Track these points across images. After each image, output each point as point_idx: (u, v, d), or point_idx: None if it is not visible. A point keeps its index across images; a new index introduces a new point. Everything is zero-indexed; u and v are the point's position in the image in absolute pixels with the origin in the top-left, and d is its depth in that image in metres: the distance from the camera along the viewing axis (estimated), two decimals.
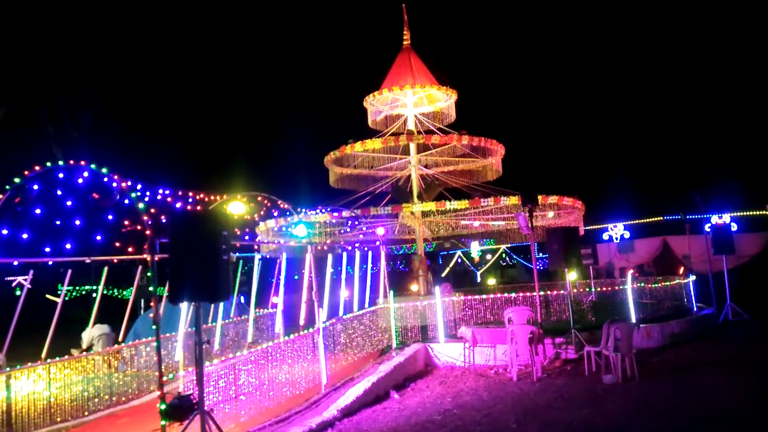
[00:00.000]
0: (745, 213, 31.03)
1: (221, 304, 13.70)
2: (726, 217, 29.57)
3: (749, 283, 20.67)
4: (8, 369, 9.09)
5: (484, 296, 14.05)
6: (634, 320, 12.71)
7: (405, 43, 20.00)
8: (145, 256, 8.41)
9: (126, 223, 8.63)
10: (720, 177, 35.45)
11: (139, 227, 7.59)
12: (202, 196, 11.01)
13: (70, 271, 12.04)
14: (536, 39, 57.02)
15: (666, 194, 37.27)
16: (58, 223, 9.09)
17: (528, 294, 13.53)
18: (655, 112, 50.90)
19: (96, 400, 10.14)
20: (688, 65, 51.02)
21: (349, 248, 16.21)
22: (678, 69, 51.78)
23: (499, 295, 13.91)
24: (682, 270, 22.38)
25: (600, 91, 53.35)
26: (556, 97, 54.16)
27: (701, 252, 20.35)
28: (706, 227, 20.43)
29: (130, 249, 9.77)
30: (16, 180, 8.19)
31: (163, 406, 6.32)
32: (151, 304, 6.95)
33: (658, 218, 31.80)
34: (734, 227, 27.79)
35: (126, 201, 7.79)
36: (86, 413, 9.76)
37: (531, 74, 56.96)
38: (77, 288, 28.05)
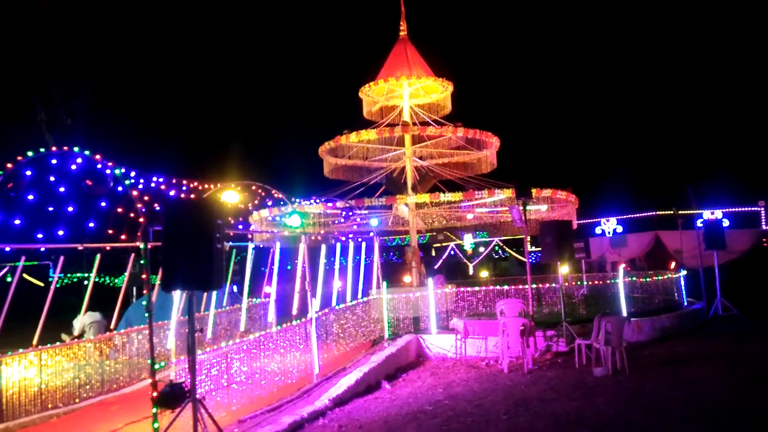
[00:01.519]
0: (736, 209, 31.23)
1: (214, 293, 13.69)
2: (718, 213, 29.77)
3: (739, 278, 20.84)
4: None
5: (476, 288, 14.11)
6: (625, 314, 12.78)
7: (401, 33, 19.92)
8: (138, 243, 8.39)
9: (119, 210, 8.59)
10: (712, 173, 35.68)
11: (132, 215, 7.57)
12: (196, 184, 10.96)
13: (62, 258, 12.00)
14: (532, 31, 56.98)
15: (659, 189, 37.51)
16: (50, 209, 9.04)
17: (520, 287, 13.60)
18: (649, 108, 51.07)
19: (87, 387, 10.12)
20: (682, 61, 51.13)
21: (343, 239, 16.22)
22: (672, 65, 51.92)
23: (491, 287, 13.96)
24: (673, 265, 22.52)
25: (595, 86, 53.44)
26: (551, 91, 54.23)
27: (693, 247, 20.49)
28: (698, 223, 20.56)
29: (122, 236, 9.73)
30: (9, 166, 8.14)
31: (154, 394, 6.32)
32: (144, 292, 6.94)
33: (651, 213, 31.94)
34: (726, 223, 28.03)
35: (119, 188, 7.76)
36: (77, 400, 9.74)
37: (527, 67, 56.99)
38: (69, 275, 27.93)
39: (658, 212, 31.31)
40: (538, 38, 58.09)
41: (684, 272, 16.86)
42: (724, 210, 30.60)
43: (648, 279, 15.87)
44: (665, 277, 16.14)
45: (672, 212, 25.21)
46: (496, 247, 43.60)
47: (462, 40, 56.87)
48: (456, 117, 19.22)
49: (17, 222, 8.72)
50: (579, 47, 55.96)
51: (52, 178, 8.55)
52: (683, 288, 16.35)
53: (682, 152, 44.15)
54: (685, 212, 27.21)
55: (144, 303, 10.85)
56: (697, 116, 46.15)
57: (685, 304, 15.99)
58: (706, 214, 28.40)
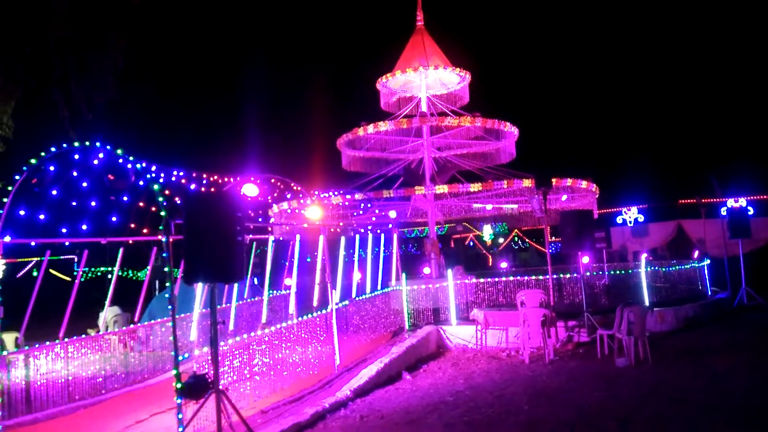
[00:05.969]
0: (762, 197, 30.65)
1: (235, 286, 13.81)
2: (742, 201, 29.27)
3: (765, 267, 20.48)
4: (27, 348, 9.25)
5: (496, 279, 14.05)
6: (647, 304, 12.66)
7: (418, 24, 19.82)
8: (159, 237, 8.48)
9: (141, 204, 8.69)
10: (736, 160, 35.04)
11: (153, 208, 7.64)
12: (216, 177, 11.05)
13: (86, 252, 12.17)
14: (552, 19, 56.31)
15: (681, 177, 36.93)
16: (74, 204, 9.18)
17: (541, 277, 13.51)
18: (671, 94, 50.28)
19: (113, 379, 10.30)
20: (706, 46, 50.23)
21: (362, 231, 16.23)
22: (697, 50, 51.02)
23: (511, 278, 13.89)
24: (696, 254, 22.22)
25: (616, 73, 52.75)
26: (571, 79, 53.59)
27: (717, 236, 20.19)
28: (722, 211, 20.23)
29: (145, 230, 9.84)
30: (33, 161, 8.26)
31: (179, 385, 6.40)
32: (167, 284, 7.02)
33: (673, 202, 31.50)
34: (751, 211, 27.55)
35: (141, 183, 7.84)
36: (103, 392, 9.92)
37: (546, 55, 56.36)
38: (92, 269, 28.29)
39: (680, 201, 30.86)
40: (557, 25, 57.48)
41: (708, 261, 16.62)
42: (748, 198, 30.06)
43: (671, 268, 15.67)
44: (688, 266, 15.92)
45: (695, 201, 24.85)
46: (516, 238, 43.39)
47: (479, 29, 56.42)
48: (474, 107, 19.12)
49: (42, 217, 8.86)
50: (600, 33, 55.15)
51: (75, 174, 8.68)
52: (707, 277, 16.12)
53: (705, 139, 43.40)
54: (709, 200, 26.78)
55: (167, 296, 10.99)
56: (721, 102, 45.31)
57: (709, 293, 15.77)
58: (731, 202, 27.92)
